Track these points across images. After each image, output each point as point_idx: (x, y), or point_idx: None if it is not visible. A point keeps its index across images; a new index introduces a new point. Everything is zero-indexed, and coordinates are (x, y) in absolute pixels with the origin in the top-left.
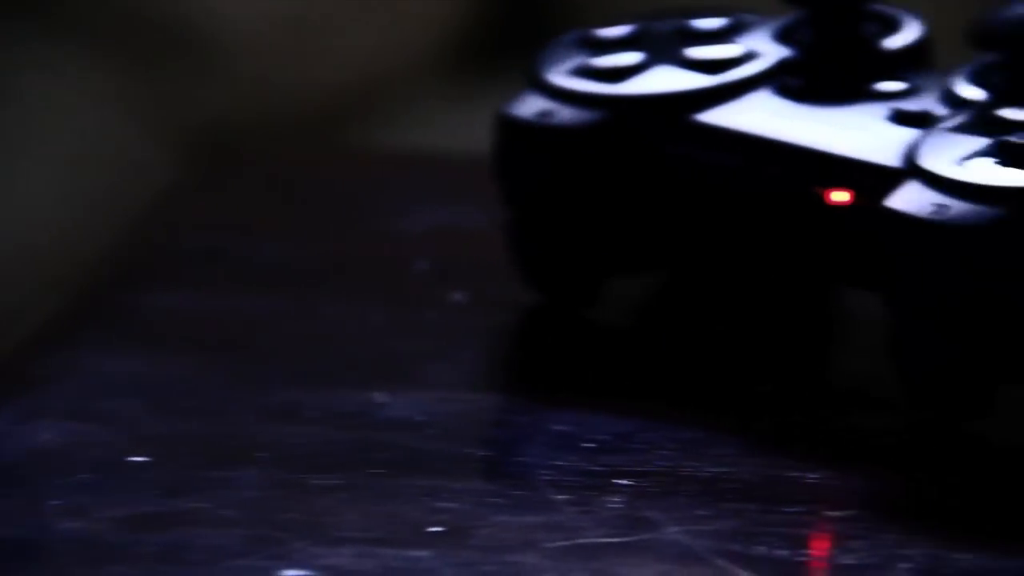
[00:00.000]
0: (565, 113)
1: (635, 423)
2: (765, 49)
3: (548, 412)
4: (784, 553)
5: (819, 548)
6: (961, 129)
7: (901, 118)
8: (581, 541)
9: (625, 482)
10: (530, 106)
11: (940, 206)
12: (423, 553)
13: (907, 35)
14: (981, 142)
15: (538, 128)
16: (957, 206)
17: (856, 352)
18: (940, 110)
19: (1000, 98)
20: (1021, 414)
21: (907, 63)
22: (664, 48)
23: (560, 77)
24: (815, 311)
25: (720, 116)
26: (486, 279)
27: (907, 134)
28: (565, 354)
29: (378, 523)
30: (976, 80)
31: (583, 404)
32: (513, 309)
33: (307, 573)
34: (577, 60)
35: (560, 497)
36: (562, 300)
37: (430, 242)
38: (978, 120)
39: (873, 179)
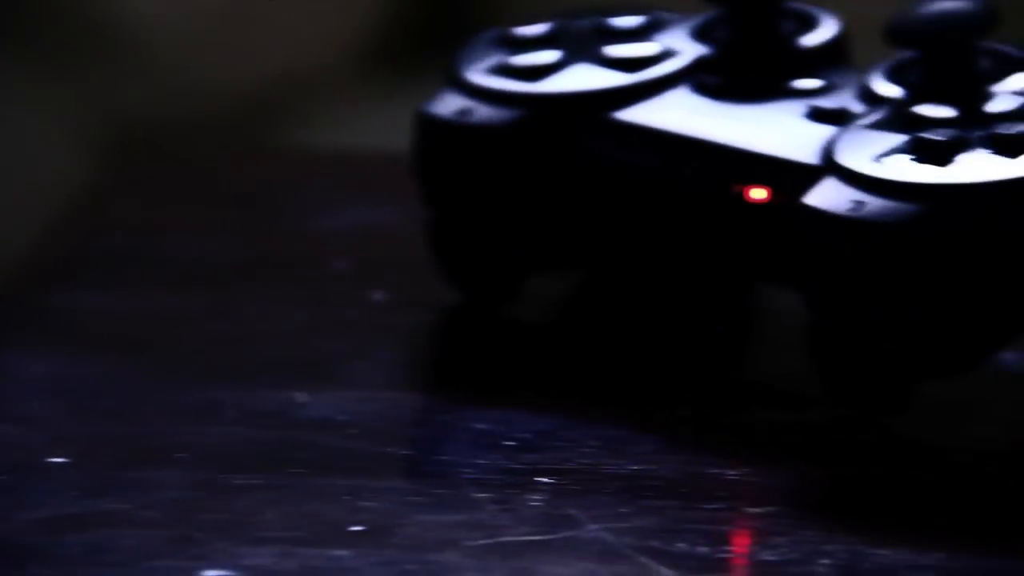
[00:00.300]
0: (484, 111)
1: (556, 421)
2: (683, 47)
3: (469, 411)
4: (705, 550)
5: (740, 544)
6: (878, 126)
7: (818, 115)
8: (502, 539)
9: (546, 480)
10: (449, 105)
11: (857, 203)
12: (344, 552)
13: (824, 33)
14: (897, 139)
15: (456, 127)
16: (874, 202)
17: (776, 349)
18: (857, 107)
19: (916, 95)
20: (938, 409)
21: (824, 61)
22: (582, 46)
23: (479, 75)
24: (735, 308)
25: (638, 114)
26: (406, 278)
27: (824, 131)
28: (486, 353)
29: (299, 523)
30: (892, 77)
31: (504, 402)
32: (434, 308)
33: (228, 573)
34: (496, 58)
35: (481, 495)
36: (482, 298)
37: (350, 241)
38: (894, 117)
39: (791, 176)
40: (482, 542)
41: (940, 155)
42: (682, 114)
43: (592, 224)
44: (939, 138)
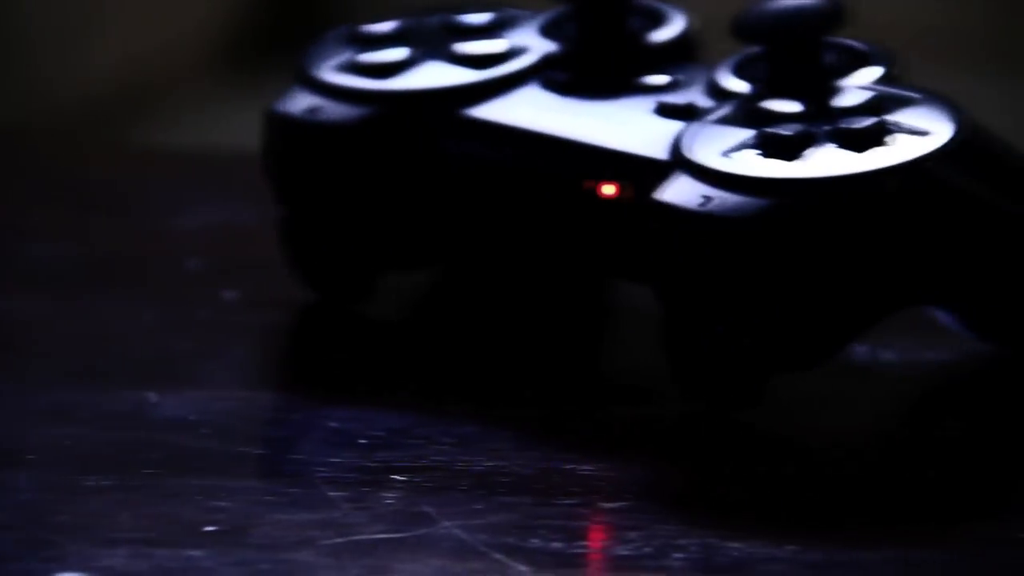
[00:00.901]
0: (333, 109)
1: (410, 418)
2: (532, 44)
3: (323, 409)
4: (559, 545)
5: (594, 539)
6: (726, 121)
7: (666, 111)
8: (357, 537)
9: (400, 478)
10: (298, 103)
11: (706, 197)
12: (198, 552)
13: (672, 29)
14: (745, 134)
15: (306, 125)
16: (723, 197)
17: (630, 344)
18: (705, 102)
19: (763, 90)
20: (793, 403)
21: (672, 57)
22: (432, 43)
23: (328, 73)
24: (589, 304)
25: (488, 111)
26: (259, 277)
27: (673, 127)
28: (340, 351)
29: (153, 523)
30: (739, 73)
31: (358, 400)
32: (287, 306)
33: (82, 575)
34: (345, 56)
35: (336, 494)
36: (336, 296)
37: (203, 240)
38: (742, 112)
39: (641, 172)
40: (337, 540)
41: (787, 150)
42: (531, 111)
43: (445, 221)
44: (786, 133)
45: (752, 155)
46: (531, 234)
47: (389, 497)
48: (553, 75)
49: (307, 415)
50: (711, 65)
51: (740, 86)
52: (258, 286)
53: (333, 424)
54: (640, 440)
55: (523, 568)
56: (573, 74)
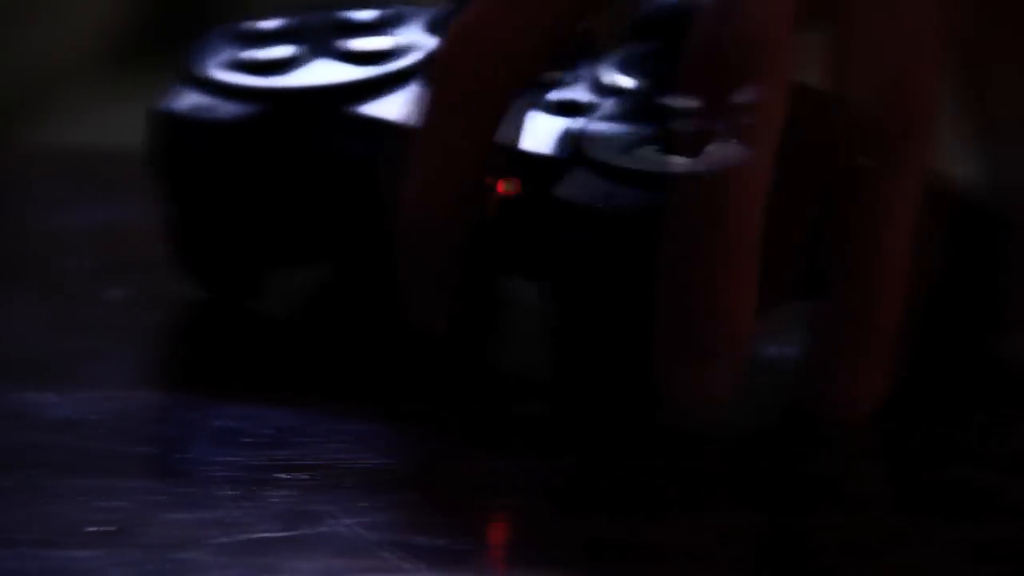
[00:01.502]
0: (220, 107)
1: (300, 417)
2: (419, 41)
3: (213, 408)
4: (447, 542)
5: (482, 536)
6: (620, 117)
7: (555, 108)
8: (247, 537)
9: (290, 476)
10: (184, 101)
11: (609, 194)
12: (87, 553)
13: None
14: (639, 129)
15: (192, 122)
16: (625, 194)
17: (521, 341)
18: (595, 99)
19: (656, 86)
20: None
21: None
22: (320, 41)
23: (214, 71)
24: (478, 300)
25: (376, 108)
26: (146, 276)
27: (564, 123)
28: (229, 349)
29: (40, 524)
30: (627, 68)
31: (248, 399)
32: (174, 305)
33: None
34: (232, 53)
35: (226, 493)
36: (224, 294)
37: (89, 239)
38: (636, 108)
39: (536, 169)
40: (226, 540)
41: (687, 146)
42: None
43: (334, 218)
44: (685, 128)
45: (649, 151)
46: None
47: (278, 496)
48: None
49: (196, 414)
50: (597, 60)
51: (629, 82)
52: (144, 285)
53: (222, 423)
54: (528, 436)
55: (411, 565)
56: None
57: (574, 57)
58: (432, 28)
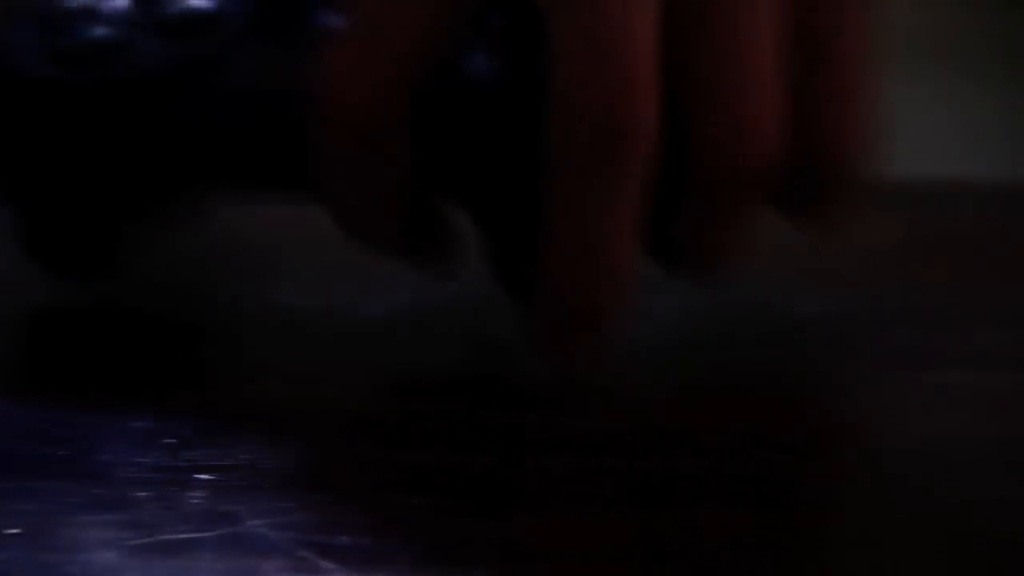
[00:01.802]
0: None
1: (216, 417)
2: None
3: (127, 409)
4: (367, 542)
5: (401, 536)
6: None
7: None
8: (162, 537)
9: (206, 477)
10: None
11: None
12: (1, 556)
13: None
14: None
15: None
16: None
17: (437, 338)
18: None
19: None
20: (576, 396)
21: None
22: (134, 16)
23: (25, 64)
24: (390, 297)
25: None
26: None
27: None
28: (141, 351)
29: None
30: None
31: (162, 400)
32: (77, 309)
33: None
34: (38, 40)
35: (140, 494)
36: (76, 269)
37: None
38: None
39: None
40: (141, 541)
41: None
42: None
43: (176, 163)
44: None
45: None
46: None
47: (195, 496)
48: None
49: (111, 416)
50: None
51: None
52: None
53: (138, 424)
54: (446, 435)
55: (331, 566)
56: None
57: None
58: None
